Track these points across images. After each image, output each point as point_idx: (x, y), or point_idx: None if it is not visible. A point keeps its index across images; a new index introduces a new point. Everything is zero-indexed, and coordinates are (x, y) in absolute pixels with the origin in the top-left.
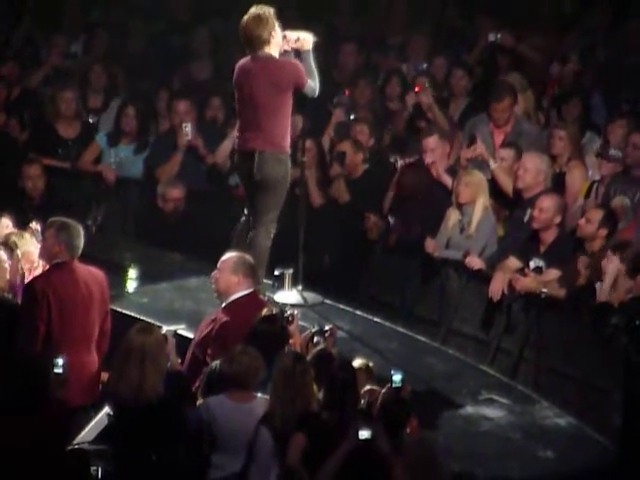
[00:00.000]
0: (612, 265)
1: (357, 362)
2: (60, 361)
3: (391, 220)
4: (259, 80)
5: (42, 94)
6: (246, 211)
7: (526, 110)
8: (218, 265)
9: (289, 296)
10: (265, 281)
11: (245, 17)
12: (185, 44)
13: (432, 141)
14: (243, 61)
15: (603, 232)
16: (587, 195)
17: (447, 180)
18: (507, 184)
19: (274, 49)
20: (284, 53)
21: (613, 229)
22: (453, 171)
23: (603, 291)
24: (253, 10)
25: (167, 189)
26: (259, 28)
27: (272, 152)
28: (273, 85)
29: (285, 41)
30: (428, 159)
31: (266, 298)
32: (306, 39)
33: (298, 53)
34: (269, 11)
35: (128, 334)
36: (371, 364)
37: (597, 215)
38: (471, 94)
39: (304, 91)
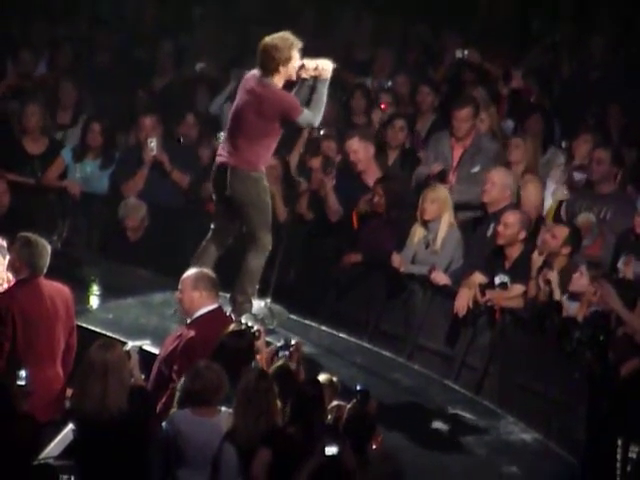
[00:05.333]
0: (583, 280)
1: (321, 377)
2: (23, 373)
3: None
4: (248, 103)
5: (8, 109)
6: (213, 226)
7: (491, 127)
8: (179, 285)
9: (256, 311)
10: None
11: (268, 37)
12: (150, 58)
13: (354, 143)
14: (249, 74)
15: (567, 249)
16: (555, 216)
17: (371, 181)
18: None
19: (279, 79)
20: (302, 81)
21: (577, 248)
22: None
23: (571, 306)
24: (278, 35)
25: (124, 219)
26: (272, 56)
27: (243, 169)
28: (257, 112)
29: (304, 70)
30: (352, 158)
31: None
32: (325, 68)
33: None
34: (291, 45)
35: (89, 350)
36: (335, 379)
37: (563, 232)
38: (437, 111)
39: (298, 122)
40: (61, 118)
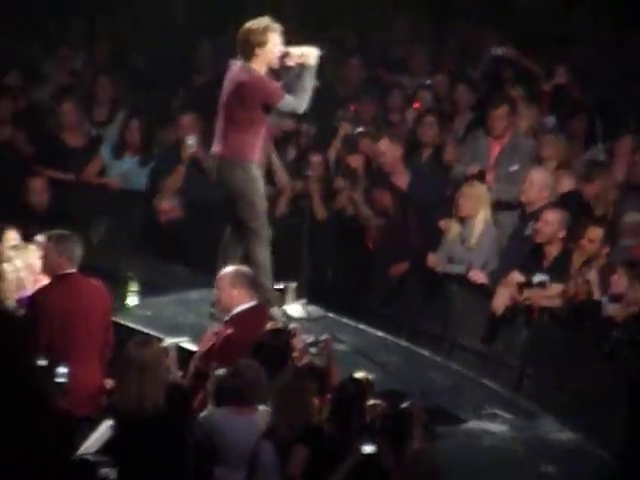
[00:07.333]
0: (622, 281)
1: (357, 375)
2: (62, 370)
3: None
4: (231, 90)
5: (46, 107)
6: (229, 222)
7: (532, 126)
8: (216, 284)
9: (292, 309)
10: None
11: (246, 23)
12: (188, 57)
13: (382, 144)
14: (233, 65)
15: (605, 249)
16: None
17: (401, 181)
18: None
19: (258, 64)
20: (288, 69)
21: (614, 244)
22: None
23: (610, 306)
24: (253, 21)
25: (157, 202)
26: (247, 40)
27: (231, 159)
28: (240, 100)
29: (289, 57)
30: (380, 160)
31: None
32: (310, 55)
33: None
34: (266, 27)
35: (126, 347)
36: (371, 377)
37: (598, 233)
38: (475, 109)
39: (280, 108)
40: (98, 115)
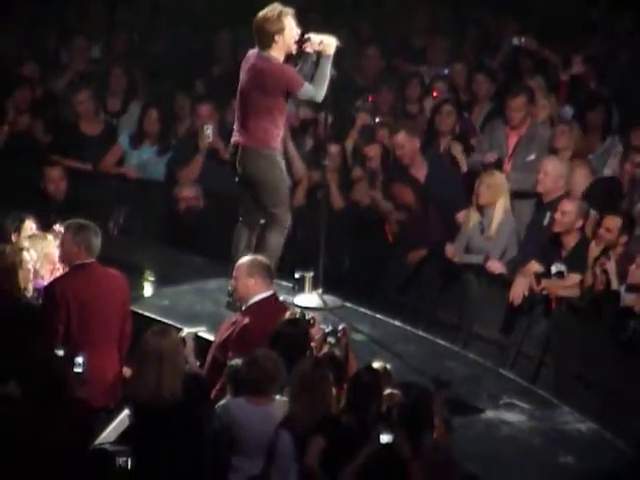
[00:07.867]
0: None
1: (375, 365)
2: (79, 360)
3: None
4: (250, 78)
5: (62, 96)
6: (240, 210)
7: (550, 115)
8: (234, 273)
9: (309, 299)
10: (285, 283)
11: (259, 13)
12: (207, 47)
13: (399, 137)
14: (250, 52)
15: (624, 239)
16: None
17: (419, 173)
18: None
19: (277, 51)
20: (305, 56)
21: (631, 234)
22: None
23: (628, 296)
24: (268, 8)
25: (179, 189)
26: (264, 29)
27: (254, 147)
28: (260, 88)
29: (308, 43)
30: (398, 152)
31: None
32: (329, 44)
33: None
34: (280, 13)
35: (144, 336)
36: (389, 367)
37: (616, 223)
38: (494, 99)
39: (299, 96)
40: (111, 105)
